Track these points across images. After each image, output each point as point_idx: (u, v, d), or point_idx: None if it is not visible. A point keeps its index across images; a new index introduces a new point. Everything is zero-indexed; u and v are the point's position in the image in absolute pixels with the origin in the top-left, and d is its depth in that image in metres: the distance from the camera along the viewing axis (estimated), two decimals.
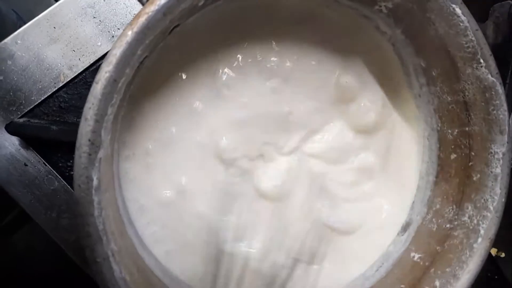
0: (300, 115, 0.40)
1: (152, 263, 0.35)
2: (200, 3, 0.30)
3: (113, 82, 0.26)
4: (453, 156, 0.38)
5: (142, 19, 0.27)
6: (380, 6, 0.36)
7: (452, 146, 0.38)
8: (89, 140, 0.26)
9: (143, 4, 0.45)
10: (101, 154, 0.27)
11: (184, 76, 0.37)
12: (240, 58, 0.38)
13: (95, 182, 0.26)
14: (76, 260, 0.42)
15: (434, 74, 0.37)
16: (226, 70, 0.38)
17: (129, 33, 0.26)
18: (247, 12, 0.37)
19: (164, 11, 0.27)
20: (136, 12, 0.43)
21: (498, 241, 0.53)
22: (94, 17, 0.45)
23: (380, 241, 0.41)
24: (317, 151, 0.41)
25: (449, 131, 0.38)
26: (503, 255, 0.54)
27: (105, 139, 0.27)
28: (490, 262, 0.53)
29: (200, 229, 0.38)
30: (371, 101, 0.40)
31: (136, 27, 0.27)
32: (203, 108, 0.38)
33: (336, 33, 0.40)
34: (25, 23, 0.44)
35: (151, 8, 0.27)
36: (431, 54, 0.36)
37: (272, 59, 0.39)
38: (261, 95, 0.39)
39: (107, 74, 0.26)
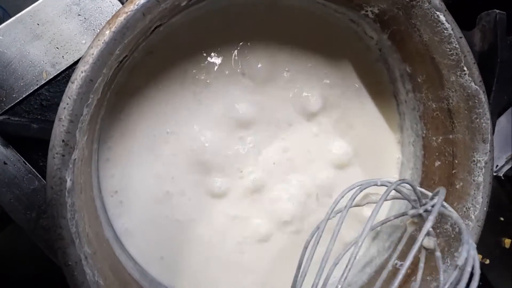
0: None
1: (129, 265, 0.34)
2: (183, 4, 0.30)
3: (89, 82, 0.26)
4: (437, 163, 0.38)
5: (121, 19, 0.26)
6: (367, 11, 0.36)
7: (437, 154, 0.38)
8: (63, 140, 0.25)
9: (123, 3, 0.44)
10: (75, 155, 0.26)
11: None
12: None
13: (68, 183, 0.26)
14: (56, 261, 0.42)
15: (419, 80, 0.37)
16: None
17: (107, 32, 0.26)
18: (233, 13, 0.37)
19: (143, 11, 0.27)
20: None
21: (483, 248, 0.54)
22: (79, 15, 0.44)
23: None
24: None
25: (434, 138, 0.38)
26: (487, 261, 0.54)
27: (80, 140, 0.26)
28: None
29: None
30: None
31: (114, 26, 0.26)
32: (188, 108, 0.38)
33: (324, 37, 0.40)
34: (10, 16, 0.43)
35: (131, 8, 0.26)
36: (416, 60, 0.36)
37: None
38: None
39: (83, 74, 0.25)
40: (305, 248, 0.32)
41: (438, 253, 0.32)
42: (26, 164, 0.42)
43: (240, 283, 0.40)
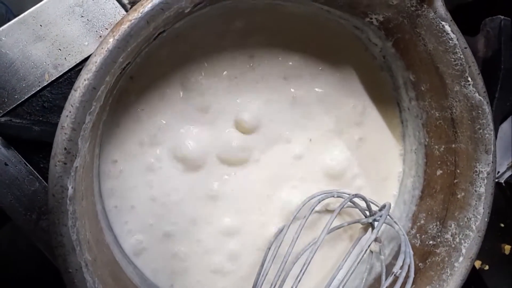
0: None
1: (130, 270, 0.34)
2: (187, 10, 0.30)
3: (92, 90, 0.26)
4: (439, 172, 0.38)
5: (125, 27, 0.26)
6: (371, 19, 0.36)
7: (439, 162, 0.38)
8: (65, 148, 0.25)
9: (126, 10, 0.44)
10: (77, 162, 0.26)
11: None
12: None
13: (70, 191, 0.25)
14: (55, 263, 0.42)
15: (423, 89, 0.37)
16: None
17: (111, 40, 0.26)
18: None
19: (147, 19, 0.27)
20: (125, 13, 0.42)
21: (482, 254, 0.54)
22: (82, 16, 0.44)
23: None
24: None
25: (436, 146, 0.38)
26: (487, 267, 0.54)
27: (82, 147, 0.26)
28: (474, 275, 0.53)
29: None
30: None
31: (118, 34, 0.26)
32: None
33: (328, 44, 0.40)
34: (14, 15, 0.43)
35: (134, 16, 0.26)
36: (420, 69, 0.36)
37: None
38: None
39: (86, 82, 0.25)
40: (268, 249, 0.38)
41: (382, 257, 0.38)
42: (27, 165, 0.42)
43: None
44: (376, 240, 0.37)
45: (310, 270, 0.36)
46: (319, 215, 0.40)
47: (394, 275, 0.31)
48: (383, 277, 0.37)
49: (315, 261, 0.35)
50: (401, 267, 0.32)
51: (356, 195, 0.36)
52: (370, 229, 0.39)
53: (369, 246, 0.32)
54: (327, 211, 0.40)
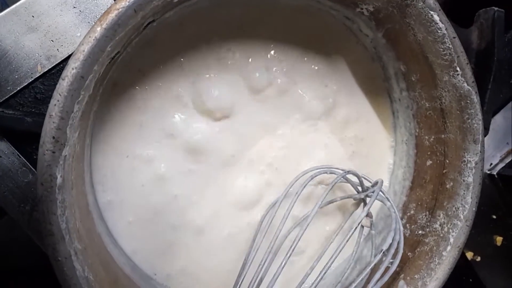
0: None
1: (121, 260, 0.35)
2: (175, 0, 0.30)
3: (80, 79, 0.26)
4: (428, 162, 0.38)
5: (112, 15, 0.26)
6: (362, 9, 0.36)
7: (428, 153, 0.38)
8: (53, 137, 0.25)
9: None
10: (66, 151, 0.26)
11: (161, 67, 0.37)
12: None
13: (59, 180, 0.26)
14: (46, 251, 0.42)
15: (413, 79, 0.37)
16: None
17: (98, 29, 0.26)
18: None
19: (135, 8, 0.27)
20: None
21: (474, 245, 0.54)
22: (74, 7, 0.44)
23: None
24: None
25: (426, 137, 0.38)
26: (478, 259, 0.54)
27: (71, 136, 0.26)
28: (465, 266, 0.54)
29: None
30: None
31: (105, 23, 0.26)
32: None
33: (319, 34, 0.40)
34: (8, 6, 0.43)
35: (122, 4, 0.26)
36: (410, 59, 0.36)
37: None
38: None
39: (74, 71, 0.25)
40: (260, 222, 0.38)
41: (373, 231, 0.39)
42: (20, 157, 0.42)
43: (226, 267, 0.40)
44: (368, 215, 0.38)
45: (302, 246, 0.37)
46: (313, 189, 0.41)
47: (383, 252, 0.32)
48: (372, 252, 0.38)
49: (307, 237, 0.37)
50: (391, 244, 0.33)
51: (349, 172, 0.37)
52: (362, 204, 0.40)
53: (361, 221, 0.33)
54: (321, 186, 0.41)
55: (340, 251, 0.30)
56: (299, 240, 0.31)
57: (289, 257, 0.31)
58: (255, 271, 0.33)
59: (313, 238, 0.40)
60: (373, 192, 0.36)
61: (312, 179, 0.36)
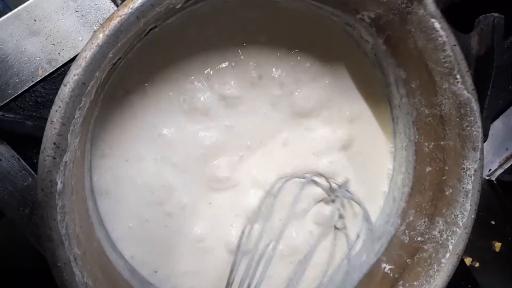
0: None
1: (120, 265, 0.35)
2: (178, 6, 0.30)
3: (81, 85, 0.26)
4: (428, 169, 0.38)
5: (115, 22, 0.26)
6: (363, 16, 0.36)
7: (428, 159, 0.38)
8: (54, 143, 0.25)
9: (117, 6, 0.44)
10: (67, 157, 0.26)
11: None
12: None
13: (59, 186, 0.26)
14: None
15: (413, 86, 0.37)
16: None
17: (101, 35, 0.26)
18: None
19: (137, 14, 0.27)
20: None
21: (473, 251, 0.54)
22: (76, 11, 0.44)
23: None
24: None
25: (426, 144, 0.38)
26: (477, 264, 0.54)
27: (72, 142, 0.26)
28: (464, 272, 0.54)
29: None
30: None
31: (108, 29, 0.26)
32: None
33: (319, 40, 0.40)
34: (11, 10, 0.43)
35: (124, 11, 0.26)
36: (411, 66, 0.36)
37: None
38: None
39: (76, 77, 0.25)
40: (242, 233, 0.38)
41: (346, 232, 0.41)
42: (20, 160, 0.42)
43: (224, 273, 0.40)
44: (340, 217, 0.41)
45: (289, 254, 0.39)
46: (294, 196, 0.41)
47: (358, 234, 0.37)
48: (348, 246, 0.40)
49: (295, 244, 0.39)
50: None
51: (315, 174, 0.39)
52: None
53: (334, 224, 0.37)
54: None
55: (311, 256, 0.34)
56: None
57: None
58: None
59: (300, 244, 0.41)
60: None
61: (278, 190, 0.38)
